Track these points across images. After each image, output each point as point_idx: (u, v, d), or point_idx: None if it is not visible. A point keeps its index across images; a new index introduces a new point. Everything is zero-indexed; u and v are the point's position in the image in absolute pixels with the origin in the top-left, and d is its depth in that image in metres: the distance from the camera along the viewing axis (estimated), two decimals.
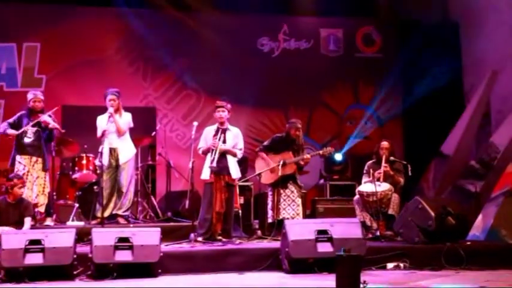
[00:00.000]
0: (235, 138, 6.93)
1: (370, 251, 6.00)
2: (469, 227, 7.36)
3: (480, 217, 7.59)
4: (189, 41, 10.10)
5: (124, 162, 7.33)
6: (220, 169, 6.76)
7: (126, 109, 7.51)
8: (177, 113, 10.22)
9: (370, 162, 7.63)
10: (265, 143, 7.68)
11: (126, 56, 10.07)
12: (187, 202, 6.76)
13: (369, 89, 10.72)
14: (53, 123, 7.14)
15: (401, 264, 6.09)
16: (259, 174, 7.44)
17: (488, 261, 6.17)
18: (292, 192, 7.41)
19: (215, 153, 6.75)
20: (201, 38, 10.12)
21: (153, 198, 8.51)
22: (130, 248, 5.58)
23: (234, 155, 6.90)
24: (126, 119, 7.38)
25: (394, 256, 6.15)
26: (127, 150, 7.39)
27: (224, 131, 6.91)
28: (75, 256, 5.54)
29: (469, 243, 6.73)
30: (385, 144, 7.52)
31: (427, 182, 9.66)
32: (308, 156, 7.42)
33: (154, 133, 8.85)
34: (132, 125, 7.44)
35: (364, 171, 7.60)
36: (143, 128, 8.61)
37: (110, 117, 7.20)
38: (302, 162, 7.44)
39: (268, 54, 10.55)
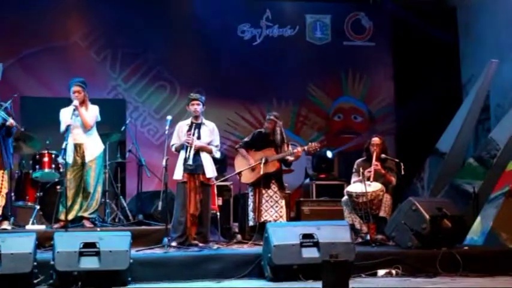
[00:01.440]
0: (210, 134, 6.92)
1: (360, 257, 6.01)
2: (467, 230, 7.42)
3: (478, 219, 7.65)
4: (162, 28, 10.06)
5: (91, 160, 7.29)
6: (194, 168, 6.74)
7: (93, 101, 7.46)
8: (149, 106, 10.18)
9: (360, 160, 7.65)
10: (245, 139, 7.68)
11: (92, 43, 10.00)
12: (160, 204, 6.72)
13: (358, 81, 10.76)
14: (10, 121, 7.04)
15: (394, 271, 6.11)
16: (239, 173, 7.43)
17: (487, 268, 6.21)
18: (275, 192, 7.41)
19: (190, 150, 6.73)
20: (175, 24, 10.08)
21: (122, 199, 8.46)
22: (97, 254, 5.54)
23: (210, 152, 6.89)
24: (92, 113, 7.33)
25: (385, 262, 6.16)
26: (94, 146, 7.35)
27: (199, 126, 6.89)
28: (35, 263, 5.48)
29: (466, 248, 6.78)
30: (376, 140, 7.54)
31: (422, 181, 9.72)
32: (298, 149, 7.41)
33: (124, 128, 8.80)
34: (99, 118, 7.39)
35: (354, 170, 7.62)
36: (112, 122, 8.55)
37: (74, 110, 7.14)
38: (291, 158, 7.44)
39: (249, 42, 10.55)
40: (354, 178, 7.57)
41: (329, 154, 9.64)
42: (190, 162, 6.69)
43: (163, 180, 6.67)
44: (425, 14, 10.13)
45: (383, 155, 7.49)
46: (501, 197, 7.65)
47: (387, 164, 7.52)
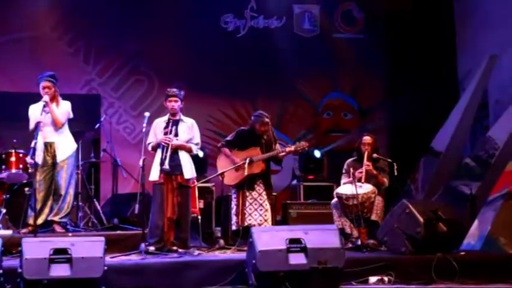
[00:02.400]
0: (189, 131, 6.91)
1: (350, 263, 6.01)
2: (463, 234, 7.43)
3: (476, 223, 7.66)
4: (140, 18, 10.01)
5: (62, 160, 7.24)
6: (172, 168, 6.71)
7: (65, 97, 7.41)
8: (125, 102, 10.15)
9: (350, 160, 7.66)
10: (229, 138, 7.66)
11: (64, 34, 9.94)
12: (137, 206, 6.70)
13: (349, 75, 10.78)
14: None
15: (386, 278, 6.12)
16: (222, 174, 7.41)
17: (485, 274, 6.24)
18: (260, 194, 7.40)
19: (167, 150, 6.70)
20: (153, 14, 10.03)
21: (96, 202, 8.43)
22: (69, 261, 5.49)
23: (189, 150, 6.87)
24: (64, 109, 7.27)
25: (377, 268, 6.17)
26: (65, 145, 7.30)
27: (176, 123, 6.87)
28: (1, 271, 5.45)
29: (463, 253, 6.80)
30: (367, 139, 7.55)
31: (416, 182, 9.75)
32: (291, 148, 7.41)
33: (98, 125, 8.76)
34: (71, 115, 7.34)
35: (343, 171, 7.63)
36: (85, 119, 8.52)
37: (45, 106, 7.08)
38: (281, 154, 7.43)
39: (232, 33, 10.53)
40: (344, 179, 7.57)
41: (317, 154, 9.65)
42: (166, 165, 6.65)
43: (141, 181, 6.65)
44: (420, 6, 10.15)
45: (375, 155, 7.51)
46: (500, 199, 7.67)
47: (379, 164, 7.53)
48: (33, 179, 6.97)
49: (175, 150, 6.79)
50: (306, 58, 10.56)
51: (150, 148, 6.91)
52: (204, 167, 9.02)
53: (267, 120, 7.51)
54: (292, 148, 7.50)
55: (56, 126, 7.21)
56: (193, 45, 10.15)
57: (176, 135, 6.83)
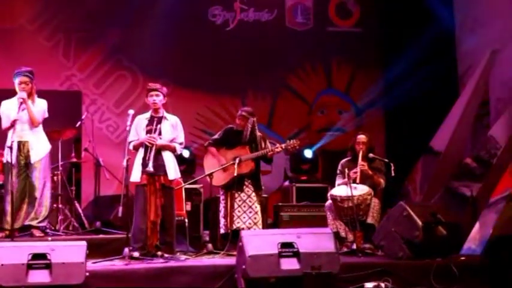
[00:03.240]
0: (173, 130, 6.89)
1: (345, 268, 6.02)
2: (464, 238, 7.46)
3: (477, 226, 7.69)
4: (123, 9, 10.00)
5: (37, 160, 7.17)
6: (155, 168, 6.70)
7: (44, 94, 7.37)
8: (108, 99, 10.14)
9: (345, 160, 7.67)
10: (215, 136, 7.67)
11: (41, 27, 9.93)
12: (120, 209, 6.67)
13: (344, 71, 10.81)
14: None
15: (383, 284, 6.12)
16: (211, 175, 7.41)
17: (486, 280, 6.26)
18: (249, 196, 7.40)
19: (151, 151, 6.69)
20: (138, 5, 10.02)
21: (77, 205, 8.43)
22: (48, 267, 5.48)
23: (173, 150, 6.86)
24: (40, 107, 7.21)
25: (373, 274, 6.19)
26: (40, 145, 7.23)
27: (159, 121, 6.86)
28: None
29: (463, 258, 6.81)
30: (362, 137, 7.57)
31: (414, 184, 9.78)
32: (281, 147, 7.41)
33: (79, 124, 8.74)
34: (47, 114, 7.29)
35: (338, 171, 7.64)
36: (65, 117, 8.50)
37: (21, 103, 7.04)
38: (270, 153, 7.44)
39: (221, 27, 10.54)
40: (338, 180, 7.58)
41: (308, 153, 9.64)
42: (150, 167, 6.63)
43: (124, 182, 6.63)
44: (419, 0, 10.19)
45: (370, 154, 7.52)
46: (502, 201, 7.69)
47: (375, 164, 7.55)
48: (10, 180, 6.95)
49: (159, 150, 6.78)
50: (298, 53, 10.58)
51: (131, 147, 6.87)
52: (192, 168, 9.03)
53: (243, 114, 7.51)
54: (283, 146, 7.50)
55: (33, 125, 7.16)
56: (179, 39, 10.15)
57: (160, 133, 6.82)
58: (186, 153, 6.94)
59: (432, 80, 9.89)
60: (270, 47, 10.43)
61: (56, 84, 9.75)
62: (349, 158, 7.64)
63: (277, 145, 7.60)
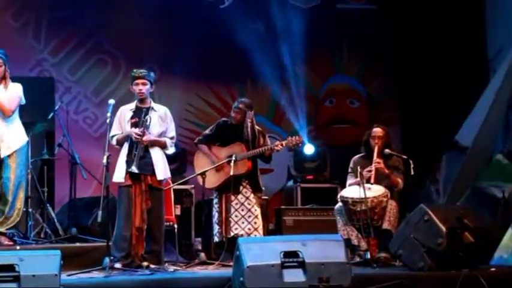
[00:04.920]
0: (162, 122, 6.90)
1: (358, 281, 6.02)
2: (494, 246, 7.48)
3: (509, 233, 7.72)
4: None
5: (9, 156, 7.20)
6: (141, 167, 6.70)
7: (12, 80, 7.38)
8: (85, 87, 10.15)
9: (357, 156, 7.68)
10: (207, 132, 7.69)
11: (8, 4, 9.92)
12: (100, 213, 6.68)
13: (356, 55, 10.80)
14: None
15: None
16: (204, 173, 7.41)
17: None
18: (247, 198, 7.43)
19: (137, 147, 6.69)
20: None
21: (50, 209, 8.44)
22: (17, 279, 5.47)
23: (163, 146, 6.85)
24: (14, 93, 7.22)
25: (390, 287, 6.20)
26: (14, 137, 7.25)
27: (146, 112, 6.85)
28: None
29: (493, 269, 6.83)
30: (377, 131, 7.56)
31: (437, 184, 9.80)
32: (278, 147, 7.41)
33: (52, 115, 8.75)
34: (23, 101, 7.32)
35: (349, 170, 7.65)
36: (36, 108, 8.48)
37: None
38: (268, 152, 7.44)
39: (214, 5, 10.52)
40: (349, 180, 7.60)
41: (309, 149, 9.60)
42: (134, 168, 6.63)
43: (104, 183, 6.64)
44: None
45: (387, 150, 7.53)
46: None
47: (392, 161, 7.56)
48: None
49: (146, 146, 6.77)
50: (304, 34, 10.56)
51: (114, 142, 6.89)
52: (182, 166, 9.03)
53: (240, 106, 7.52)
54: (284, 144, 7.51)
55: (5, 113, 7.16)
56: (167, 19, 10.16)
57: (147, 127, 6.81)
58: (171, 150, 6.91)
59: (458, 64, 9.89)
60: (271, 28, 10.41)
61: (24, 70, 9.74)
62: (362, 154, 7.65)
63: (277, 142, 7.61)
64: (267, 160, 7.66)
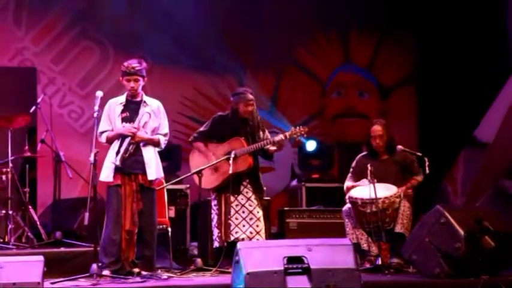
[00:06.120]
0: (155, 118, 6.89)
1: None
2: None
3: None
4: None
5: None
6: (132, 165, 6.73)
7: None
8: (70, 78, 10.17)
9: (361, 155, 7.69)
10: (202, 128, 7.68)
11: None
12: (86, 216, 6.71)
13: (365, 42, 10.80)
14: None
15: None
16: (200, 172, 7.42)
17: None
18: (248, 199, 7.43)
19: (129, 144, 6.70)
20: None
21: (32, 211, 8.44)
22: None
23: (156, 144, 6.86)
24: None
25: None
26: None
27: (137, 106, 6.87)
28: None
29: None
30: (376, 129, 7.51)
31: (454, 183, 9.81)
32: (281, 137, 7.41)
33: (34, 109, 8.75)
34: None
35: (351, 169, 7.67)
36: (16, 100, 8.52)
37: None
38: (273, 147, 7.46)
39: None
40: (348, 181, 7.60)
41: (310, 145, 9.58)
42: (117, 160, 6.63)
43: (92, 182, 6.65)
44: None
45: (399, 147, 7.52)
46: None
47: (398, 157, 7.54)
48: None
49: (138, 143, 6.78)
50: (308, 18, 10.56)
51: (103, 139, 6.87)
52: (177, 164, 9.05)
53: (250, 97, 7.53)
54: (287, 135, 7.49)
55: None
56: (158, 3, 10.15)
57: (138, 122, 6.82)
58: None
59: (477, 54, 9.90)
60: (272, 12, 10.41)
61: (4, 60, 9.76)
62: (366, 154, 7.67)
63: (280, 134, 7.58)
64: (269, 157, 7.65)
